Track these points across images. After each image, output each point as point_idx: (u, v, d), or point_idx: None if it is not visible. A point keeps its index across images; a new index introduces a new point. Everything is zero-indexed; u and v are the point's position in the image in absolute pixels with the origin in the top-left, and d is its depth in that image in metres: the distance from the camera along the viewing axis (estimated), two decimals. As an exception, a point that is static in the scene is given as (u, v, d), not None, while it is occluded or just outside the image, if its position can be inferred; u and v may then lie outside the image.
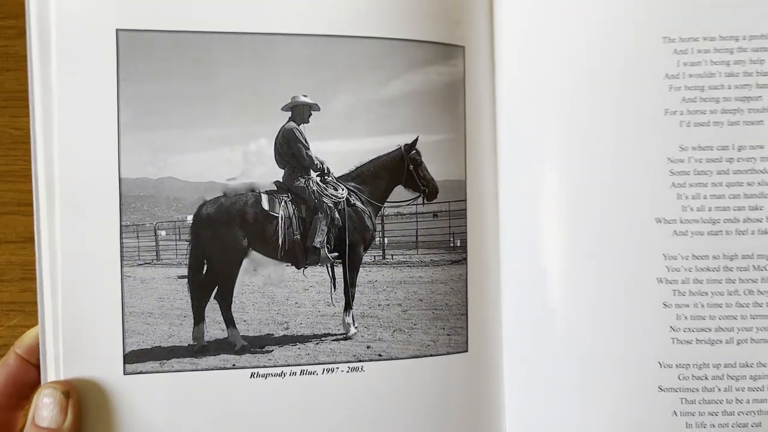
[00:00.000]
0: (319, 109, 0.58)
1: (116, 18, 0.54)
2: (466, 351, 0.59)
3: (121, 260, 0.55)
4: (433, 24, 0.57)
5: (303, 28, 0.56)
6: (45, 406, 0.52)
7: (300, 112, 0.59)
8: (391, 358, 0.58)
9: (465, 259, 0.59)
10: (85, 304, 0.55)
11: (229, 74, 0.56)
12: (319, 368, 0.57)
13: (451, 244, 0.60)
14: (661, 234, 0.58)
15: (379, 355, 0.58)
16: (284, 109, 0.58)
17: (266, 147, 0.58)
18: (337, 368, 0.57)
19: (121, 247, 0.55)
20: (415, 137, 0.59)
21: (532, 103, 0.59)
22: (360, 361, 0.58)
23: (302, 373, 0.57)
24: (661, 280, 0.58)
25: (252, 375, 0.57)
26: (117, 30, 0.54)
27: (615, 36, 0.58)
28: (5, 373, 0.55)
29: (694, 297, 0.58)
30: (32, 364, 0.55)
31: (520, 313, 0.60)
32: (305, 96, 0.58)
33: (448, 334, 0.59)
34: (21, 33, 0.75)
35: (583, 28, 0.59)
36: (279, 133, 0.59)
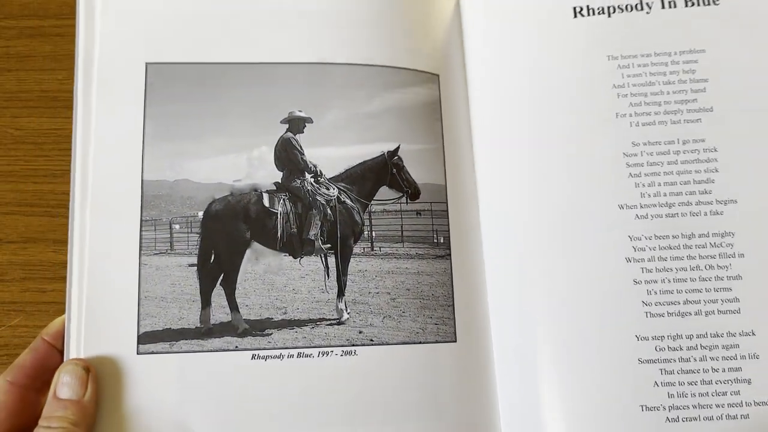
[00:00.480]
0: (312, 122, 0.68)
1: (146, 54, 0.67)
2: (455, 341, 0.64)
3: (140, 250, 0.63)
4: (410, 55, 0.69)
5: (299, 58, 0.68)
6: (66, 380, 0.58)
7: (296, 124, 0.69)
8: (382, 344, 0.63)
9: (449, 254, 0.66)
10: (107, 288, 0.62)
11: (236, 95, 0.67)
12: (314, 351, 0.63)
13: (435, 240, 0.67)
14: (625, 218, 0.65)
15: (371, 340, 0.63)
16: (282, 122, 0.69)
17: (267, 153, 0.68)
18: (332, 351, 0.63)
19: (140, 239, 0.63)
20: (397, 145, 0.68)
21: (503, 118, 0.69)
22: (353, 345, 0.63)
23: (299, 355, 0.62)
24: (630, 259, 0.64)
25: (253, 357, 0.62)
26: (146, 63, 0.66)
27: (567, 57, 0.69)
28: (32, 357, 0.60)
29: (660, 273, 0.64)
30: (57, 350, 0.61)
31: (504, 304, 0.65)
32: (300, 111, 0.68)
33: (436, 324, 0.64)
34: (21, 33, 0.85)
35: (543, 53, 0.70)
36: (278, 141, 0.69)
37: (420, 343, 0.63)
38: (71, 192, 0.63)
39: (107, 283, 0.62)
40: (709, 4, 0.70)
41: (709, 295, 0.63)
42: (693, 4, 0.70)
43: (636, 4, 0.70)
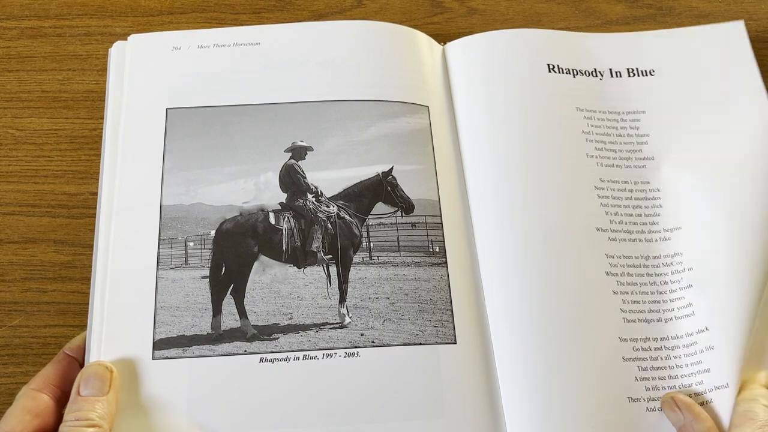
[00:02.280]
0: (312, 150, 0.81)
1: (167, 101, 0.82)
2: (455, 343, 0.72)
3: (157, 265, 0.74)
4: (400, 91, 0.84)
5: (300, 98, 0.83)
6: (92, 379, 0.65)
7: (299, 152, 0.82)
8: (384, 345, 0.71)
9: (445, 262, 0.76)
10: (126, 299, 0.72)
11: (244, 130, 0.81)
12: (319, 353, 0.71)
13: (430, 249, 0.78)
14: (601, 239, 0.80)
15: (372, 342, 0.72)
16: (286, 151, 0.82)
17: (272, 178, 0.82)
18: (335, 353, 0.71)
19: (158, 256, 0.74)
20: (390, 166, 0.82)
21: (489, 149, 0.83)
22: (356, 347, 0.72)
23: (304, 357, 0.71)
24: (608, 273, 0.78)
25: (261, 360, 0.71)
26: (167, 109, 0.81)
27: (544, 104, 0.87)
28: (55, 368, 0.68)
29: (629, 286, 0.78)
30: (78, 363, 0.69)
31: (503, 310, 0.75)
32: (302, 141, 0.82)
33: (435, 326, 0.73)
34: (22, 34, 0.92)
35: (524, 98, 0.87)
36: (282, 167, 0.82)
37: (420, 344, 0.72)
38: (97, 216, 0.75)
39: (127, 296, 0.72)
40: (647, 75, 0.92)
41: (666, 305, 0.78)
42: (634, 75, 0.92)
43: (591, 71, 0.91)
